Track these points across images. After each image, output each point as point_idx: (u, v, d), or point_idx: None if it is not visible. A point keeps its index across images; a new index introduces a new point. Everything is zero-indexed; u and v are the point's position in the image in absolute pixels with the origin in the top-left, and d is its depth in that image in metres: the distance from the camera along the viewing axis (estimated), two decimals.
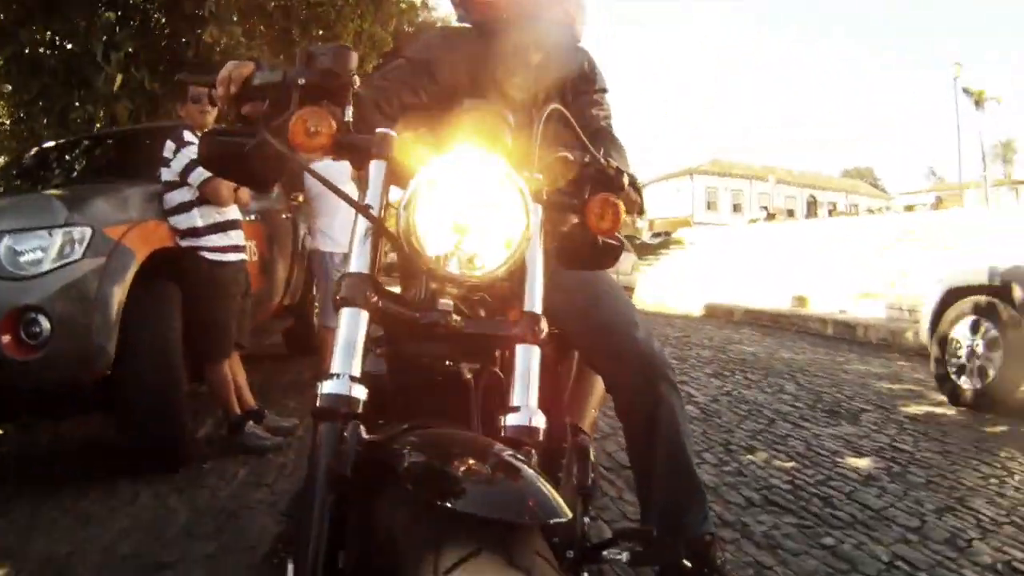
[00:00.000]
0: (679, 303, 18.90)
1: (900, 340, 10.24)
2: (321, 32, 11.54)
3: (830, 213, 59.56)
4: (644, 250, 35.02)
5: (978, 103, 54.86)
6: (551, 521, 1.00)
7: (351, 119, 1.52)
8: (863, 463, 4.45)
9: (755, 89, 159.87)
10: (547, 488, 1.06)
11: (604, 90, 2.52)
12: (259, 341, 6.28)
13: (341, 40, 10.83)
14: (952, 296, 6.58)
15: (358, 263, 1.35)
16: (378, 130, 1.47)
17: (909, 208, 49.11)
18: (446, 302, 1.34)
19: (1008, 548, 3.20)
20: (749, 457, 4.49)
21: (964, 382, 6.20)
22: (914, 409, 6.04)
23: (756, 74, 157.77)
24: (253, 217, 5.39)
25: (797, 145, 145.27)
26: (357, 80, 1.55)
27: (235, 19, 10.15)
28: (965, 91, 53.01)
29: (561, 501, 1.04)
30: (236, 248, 4.47)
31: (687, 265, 27.70)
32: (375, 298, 1.32)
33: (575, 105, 2.35)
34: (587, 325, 2.19)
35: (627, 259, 18.82)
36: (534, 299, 1.42)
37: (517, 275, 1.42)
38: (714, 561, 2.26)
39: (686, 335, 11.33)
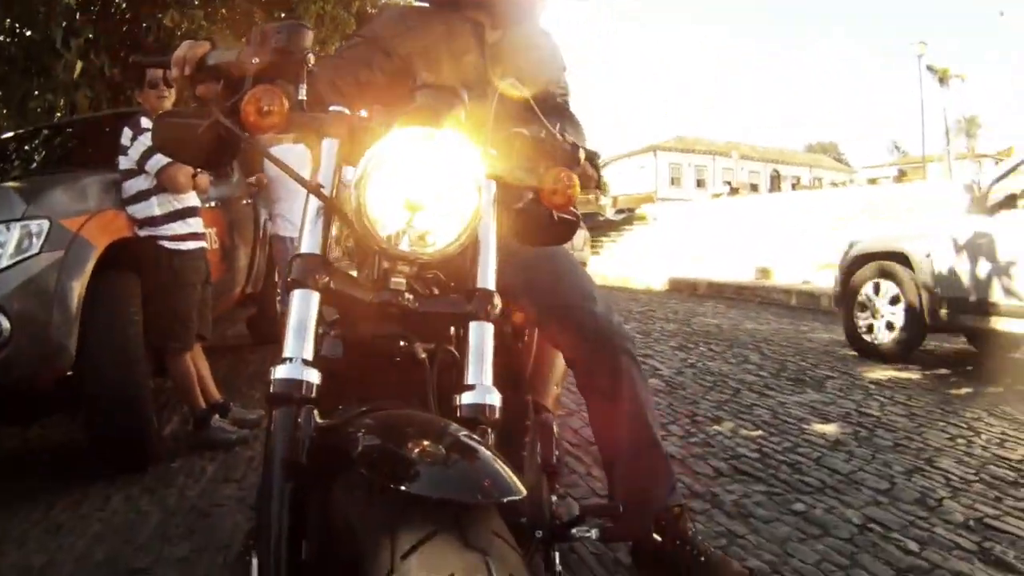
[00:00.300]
0: (643, 278, 18.94)
1: None
2: (283, 14, 11.36)
3: (794, 187, 60.08)
4: (608, 227, 35.21)
5: (942, 80, 55.53)
6: (505, 499, 1.00)
7: (305, 97, 1.50)
8: (830, 429, 4.49)
9: (721, 69, 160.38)
10: (501, 466, 1.05)
11: (563, 67, 2.52)
12: (222, 331, 6.20)
13: (304, 19, 10.68)
14: (860, 261, 7.26)
15: (309, 243, 1.34)
16: (331, 108, 1.47)
17: (872, 181, 49.65)
18: (398, 281, 1.33)
19: (979, 505, 3.25)
20: (716, 427, 4.51)
21: (873, 339, 6.90)
22: (879, 374, 6.10)
23: (722, 54, 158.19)
24: (213, 204, 5.29)
25: (762, 122, 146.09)
26: (312, 58, 1.53)
27: (196, 2, 10.03)
28: (930, 68, 53.53)
29: (516, 479, 1.04)
30: (195, 236, 4.39)
31: (651, 240, 27.87)
32: (326, 279, 1.30)
33: (533, 83, 2.28)
34: (545, 301, 2.16)
35: (579, 235, 18.97)
36: (487, 276, 1.42)
37: (470, 252, 1.42)
38: (685, 532, 2.28)
39: (650, 309, 11.36)
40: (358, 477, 1.04)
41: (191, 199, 4.38)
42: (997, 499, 3.32)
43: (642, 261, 23.19)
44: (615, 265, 23.68)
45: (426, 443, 1.06)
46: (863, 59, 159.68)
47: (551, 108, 2.28)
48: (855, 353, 6.97)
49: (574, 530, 1.91)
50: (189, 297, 4.35)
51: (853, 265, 7.36)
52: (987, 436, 4.33)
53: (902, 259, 6.78)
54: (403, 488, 0.96)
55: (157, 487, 3.81)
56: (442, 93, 1.42)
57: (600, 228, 35.32)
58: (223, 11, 11.18)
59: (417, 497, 0.95)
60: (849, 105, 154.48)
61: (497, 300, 1.40)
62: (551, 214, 1.60)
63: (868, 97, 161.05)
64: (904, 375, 6.11)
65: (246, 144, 1.44)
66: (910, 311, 6.59)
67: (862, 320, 7.05)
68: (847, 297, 7.27)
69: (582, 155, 1.71)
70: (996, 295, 6.06)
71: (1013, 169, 6.69)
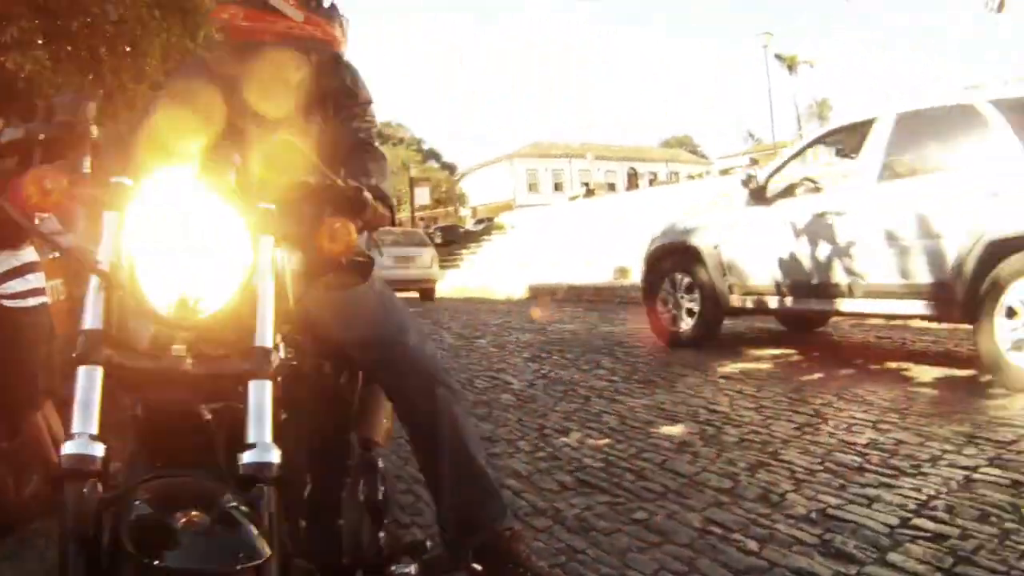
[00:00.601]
0: (504, 287, 19.07)
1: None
2: (129, 48, 11.04)
3: (651, 183, 61.39)
4: (469, 238, 35.47)
5: (791, 68, 58.13)
6: (246, 565, 1.08)
7: (89, 171, 1.51)
8: (676, 430, 4.52)
9: (574, 71, 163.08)
10: (253, 531, 1.12)
11: (368, 102, 2.55)
12: (72, 385, 5.91)
13: (150, 55, 10.75)
14: (659, 254, 7.88)
15: (91, 319, 1.37)
16: (112, 180, 1.46)
17: (726, 172, 51.26)
18: (179, 347, 1.35)
19: (822, 496, 3.29)
20: (563, 439, 4.49)
21: (676, 327, 7.51)
22: (730, 368, 6.24)
23: (573, 56, 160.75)
24: (56, 255, 5.06)
25: (618, 121, 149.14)
26: (95, 129, 1.53)
27: (40, 43, 9.57)
28: (778, 57, 55.95)
29: (263, 541, 1.12)
30: (36, 292, 4.17)
31: (510, 249, 28.13)
32: (109, 353, 1.32)
33: (338, 119, 2.42)
34: (359, 337, 2.19)
35: (427, 253, 19.37)
36: (265, 333, 1.42)
37: (248, 309, 1.43)
38: (518, 555, 2.28)
39: (507, 320, 11.36)
40: (126, 553, 1.05)
41: (29, 254, 4.16)
42: (840, 487, 3.38)
43: (503, 270, 23.37)
44: (476, 276, 23.82)
45: (193, 513, 1.10)
46: (714, 51, 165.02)
47: (353, 146, 2.36)
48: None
49: (393, 567, 1.96)
50: (34, 355, 4.12)
51: (653, 258, 7.94)
52: (835, 422, 4.43)
53: (695, 251, 7.35)
54: (160, 563, 1.02)
55: (18, 550, 3.60)
56: (215, 152, 1.48)
57: (461, 240, 35.63)
58: (68, 48, 10.78)
59: (175, 571, 1.02)
60: (703, 97, 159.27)
61: (275, 356, 1.41)
62: (340, 260, 1.63)
63: (722, 88, 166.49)
64: (757, 366, 6.27)
65: (27, 229, 1.46)
66: (705, 299, 7.24)
67: (665, 311, 7.65)
68: (650, 289, 7.88)
69: (369, 197, 1.76)
70: (777, 278, 6.76)
71: (786, 163, 7.58)
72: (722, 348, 7.09)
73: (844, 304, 6.46)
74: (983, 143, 5.79)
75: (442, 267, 28.58)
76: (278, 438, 1.35)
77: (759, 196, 7.06)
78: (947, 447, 3.84)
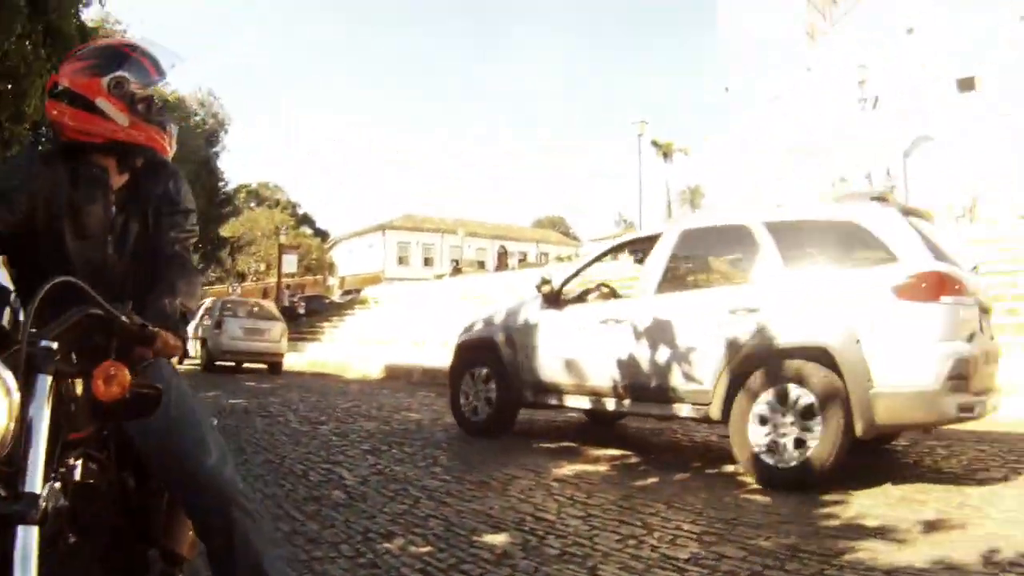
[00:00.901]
0: (361, 365, 18.96)
1: None
2: (11, 86, 10.74)
3: (520, 262, 62.12)
4: (333, 309, 35.14)
5: (666, 155, 60.23)
6: None
7: None
8: (500, 539, 4.47)
9: (454, 147, 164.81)
10: None
11: (188, 211, 2.59)
12: None
13: (31, 95, 10.59)
14: (465, 345, 8.39)
15: None
16: None
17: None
18: None
19: None
20: (386, 545, 4.40)
21: (472, 415, 7.97)
22: (567, 469, 6.25)
23: (452, 131, 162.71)
24: None
25: (493, 198, 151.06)
26: None
27: None
28: (654, 144, 58.08)
29: None
30: None
31: (374, 324, 27.97)
32: None
33: (157, 226, 2.47)
34: (156, 453, 2.22)
35: (276, 327, 19.60)
36: (34, 477, 1.40)
37: (20, 450, 1.41)
38: None
39: (356, 405, 11.24)
40: None
41: None
42: None
43: (364, 346, 23.16)
44: (337, 350, 23.55)
45: None
46: (592, 134, 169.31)
47: (168, 257, 2.44)
48: (546, 445, 7.34)
49: None
50: None
51: (459, 350, 8.45)
52: (660, 534, 4.45)
53: (495, 346, 7.85)
54: None
55: None
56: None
57: (326, 311, 35.24)
58: None
59: None
60: (580, 179, 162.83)
61: (43, 501, 1.39)
62: (124, 393, 1.63)
63: (600, 170, 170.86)
64: (594, 468, 6.31)
65: None
66: (500, 392, 7.72)
67: (466, 401, 8.07)
68: (455, 377, 8.30)
69: (156, 331, 1.83)
70: (565, 377, 7.23)
71: (580, 271, 8.28)
72: (562, 446, 7.20)
73: (624, 405, 6.86)
74: (752, 261, 6.41)
75: (304, 339, 28.41)
76: (63, 565, 1.41)
77: (552, 300, 7.61)
78: (769, 562, 3.90)
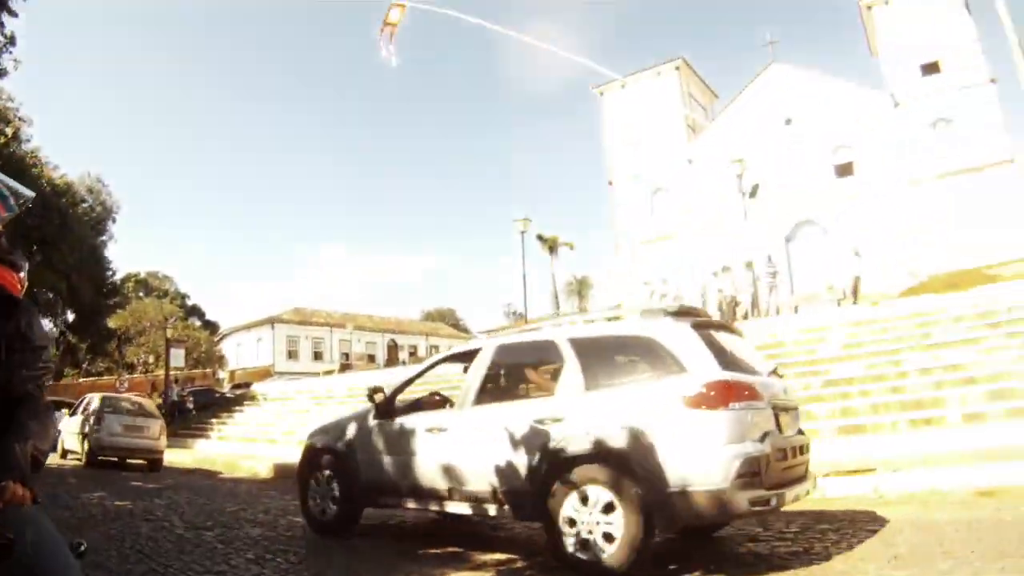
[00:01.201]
0: (250, 463, 18.92)
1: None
2: None
3: (411, 356, 62.14)
4: (222, 404, 34.34)
5: (552, 248, 61.07)
6: None
7: None
8: None
9: (346, 240, 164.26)
10: None
11: (41, 347, 2.56)
12: None
13: None
14: (311, 449, 8.91)
15: None
16: None
17: None
18: None
19: None
20: None
21: (321, 514, 8.43)
22: None
23: (341, 223, 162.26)
24: None
25: (383, 291, 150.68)
26: None
27: None
28: (539, 238, 58.82)
29: None
30: None
31: (263, 419, 27.60)
32: None
33: (8, 364, 2.42)
34: None
35: (155, 424, 19.98)
36: None
37: None
38: None
39: (243, 508, 11.21)
40: None
41: None
42: None
43: (253, 443, 23.07)
44: (226, 447, 23.36)
45: None
46: (481, 228, 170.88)
47: (20, 396, 2.42)
48: (433, 551, 7.55)
49: None
50: None
51: (306, 453, 8.96)
52: None
53: (337, 451, 8.44)
54: None
55: None
56: None
57: (216, 406, 34.44)
58: None
59: None
60: (470, 271, 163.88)
61: None
62: None
63: (488, 262, 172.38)
64: (480, 575, 6.51)
65: None
66: (343, 494, 8.24)
67: (314, 502, 8.54)
68: (303, 479, 8.80)
69: (4, 484, 1.86)
70: (397, 481, 7.76)
71: (409, 382, 8.82)
72: (448, 551, 7.43)
73: (449, 506, 7.39)
74: (558, 375, 6.95)
75: (194, 435, 27.99)
76: None
77: (384, 409, 8.22)
78: None
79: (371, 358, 64.39)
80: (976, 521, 7.07)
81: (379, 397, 8.26)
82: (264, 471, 17.61)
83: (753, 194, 42.63)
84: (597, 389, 6.54)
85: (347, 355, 60.59)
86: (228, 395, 38.36)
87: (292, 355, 65.10)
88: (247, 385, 40.57)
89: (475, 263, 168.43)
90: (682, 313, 6.98)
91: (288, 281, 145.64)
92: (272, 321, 66.82)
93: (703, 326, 6.73)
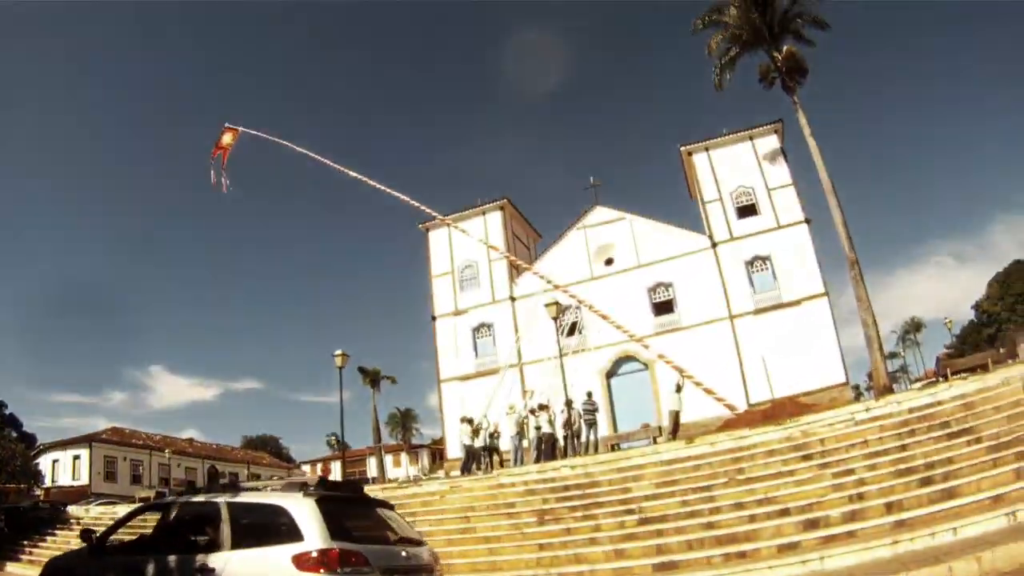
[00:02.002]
0: None
1: None
2: None
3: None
4: (36, 525, 32.06)
5: (375, 382, 63.47)
6: None
7: None
8: None
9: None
10: None
11: None
12: None
13: None
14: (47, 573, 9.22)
15: None
16: None
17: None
18: None
19: None
20: None
21: None
22: None
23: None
24: None
25: (206, 413, 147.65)
26: None
27: None
28: (361, 371, 61.35)
29: None
30: None
31: (75, 547, 24.72)
32: None
33: None
34: None
35: None
36: None
37: None
38: None
39: None
40: None
41: None
42: None
43: None
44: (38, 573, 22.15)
45: None
46: (304, 356, 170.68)
47: None
48: None
49: None
50: None
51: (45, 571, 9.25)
52: None
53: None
54: None
55: None
56: None
57: (28, 527, 31.95)
58: None
59: None
60: (295, 397, 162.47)
61: None
62: None
63: (313, 390, 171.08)
64: None
65: None
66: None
67: None
68: None
69: None
70: None
71: (120, 524, 9.40)
72: None
73: None
74: (217, 533, 7.59)
75: (7, 558, 26.16)
76: None
77: (97, 548, 8.59)
78: None
79: (191, 483, 61.16)
80: None
81: (90, 537, 8.70)
82: None
83: (572, 332, 44.65)
84: (240, 548, 7.24)
85: (167, 480, 60.15)
86: (41, 516, 35.89)
87: (110, 476, 63.75)
88: (63, 506, 37.68)
89: (301, 390, 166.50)
90: (322, 488, 7.80)
91: (108, 398, 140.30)
92: (90, 439, 64.51)
93: (330, 500, 7.55)
